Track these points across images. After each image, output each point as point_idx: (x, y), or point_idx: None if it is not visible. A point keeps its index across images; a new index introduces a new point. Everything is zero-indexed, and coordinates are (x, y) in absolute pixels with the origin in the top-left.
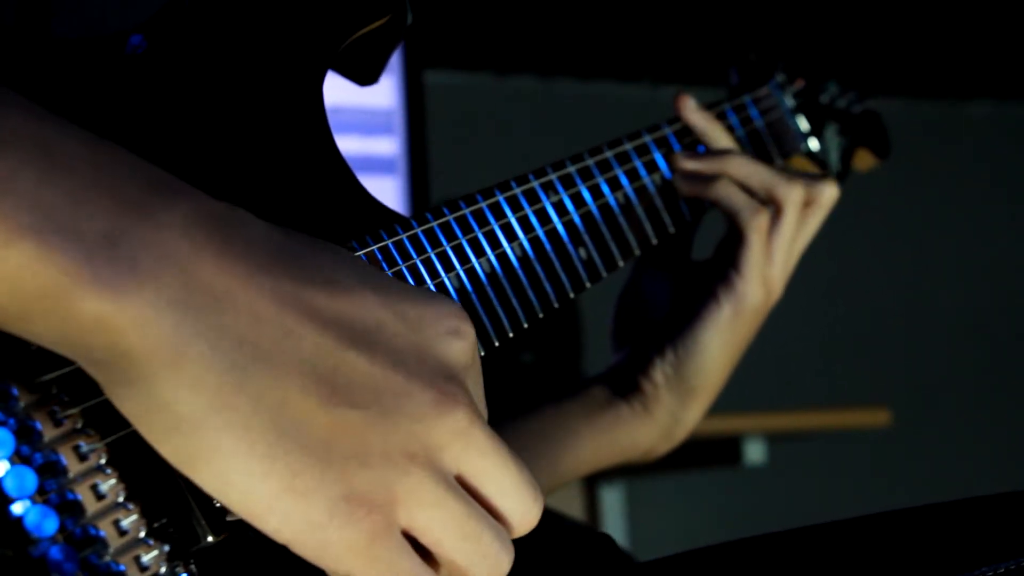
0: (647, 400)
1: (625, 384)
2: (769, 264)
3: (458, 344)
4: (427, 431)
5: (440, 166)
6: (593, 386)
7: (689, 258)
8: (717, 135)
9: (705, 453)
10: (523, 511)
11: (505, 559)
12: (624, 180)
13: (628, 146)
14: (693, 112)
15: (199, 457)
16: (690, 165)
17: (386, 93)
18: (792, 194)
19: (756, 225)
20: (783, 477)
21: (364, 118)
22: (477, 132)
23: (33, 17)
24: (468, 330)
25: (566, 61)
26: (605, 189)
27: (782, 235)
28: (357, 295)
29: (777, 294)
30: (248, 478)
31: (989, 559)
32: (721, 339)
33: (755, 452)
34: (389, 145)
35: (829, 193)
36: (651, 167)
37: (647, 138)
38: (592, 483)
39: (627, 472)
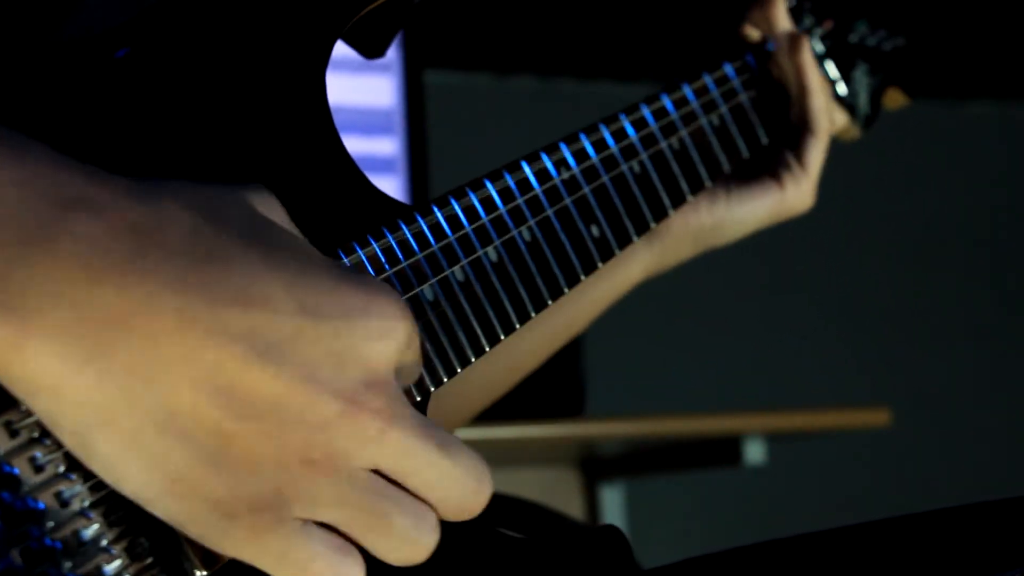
0: (667, 242)
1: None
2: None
3: (383, 346)
4: (329, 440)
5: (440, 166)
6: None
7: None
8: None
9: (705, 453)
10: (458, 499)
11: (425, 543)
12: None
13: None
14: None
15: (86, 458)
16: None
17: (386, 93)
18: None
19: (828, 127)
20: (783, 477)
21: (364, 118)
22: (477, 132)
23: (42, 21)
24: (398, 328)
25: (566, 61)
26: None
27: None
28: (275, 304)
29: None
30: (130, 482)
31: (995, 567)
32: (760, 221)
33: (755, 452)
34: (389, 145)
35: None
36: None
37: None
38: (592, 483)
39: (627, 472)
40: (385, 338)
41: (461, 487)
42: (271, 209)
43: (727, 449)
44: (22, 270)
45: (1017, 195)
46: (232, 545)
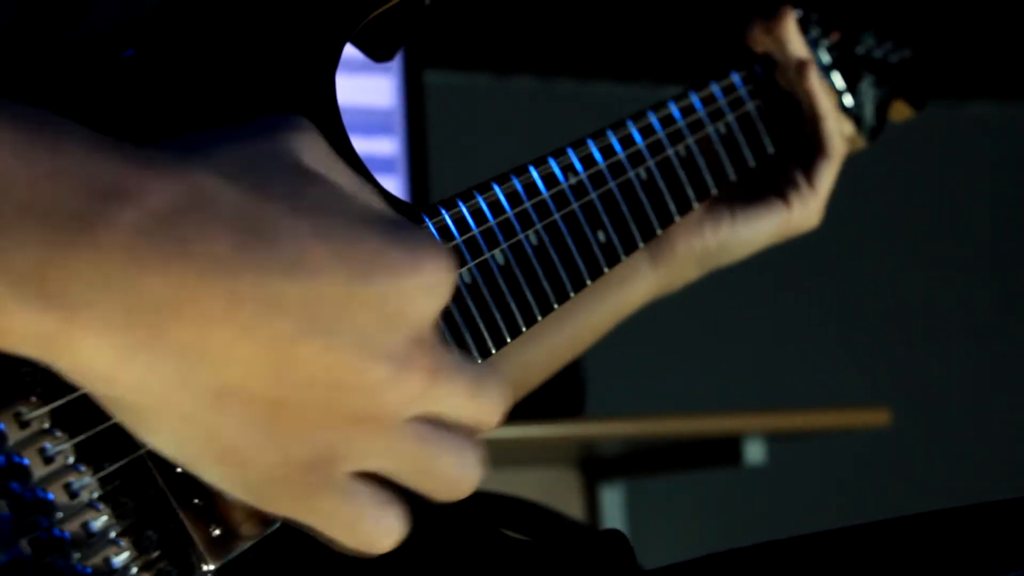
0: (672, 265)
1: (657, 243)
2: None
3: (430, 302)
4: (382, 400)
5: (440, 166)
6: None
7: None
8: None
9: (705, 453)
10: (486, 422)
11: (471, 478)
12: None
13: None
14: (792, 27)
15: (142, 432)
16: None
17: (386, 93)
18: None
19: (841, 149)
20: (783, 477)
21: (364, 118)
22: (477, 132)
23: (44, 21)
24: (444, 283)
25: (566, 61)
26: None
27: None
28: (324, 275)
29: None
30: (185, 453)
31: (996, 568)
32: (765, 241)
33: (755, 452)
34: (389, 145)
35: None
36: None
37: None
38: (592, 483)
39: (627, 472)
40: (431, 295)
41: (488, 409)
42: (313, 147)
43: (727, 449)
44: (64, 263)
45: (1017, 195)
46: (283, 507)
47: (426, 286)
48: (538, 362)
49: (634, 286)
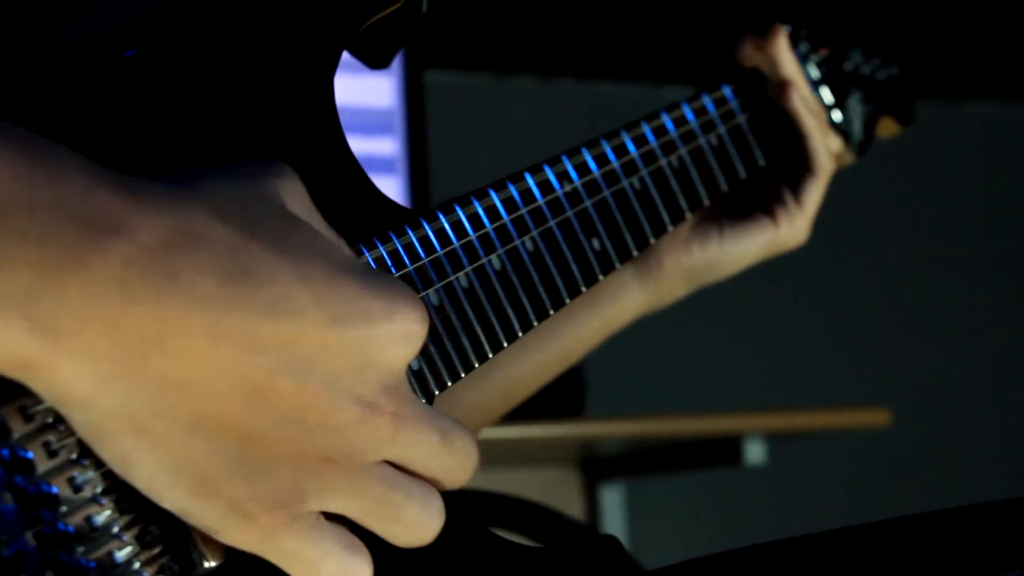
0: (661, 283)
1: (645, 260)
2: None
3: (402, 350)
4: (348, 441)
5: (440, 166)
6: None
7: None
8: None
9: (705, 453)
10: (451, 475)
11: (432, 526)
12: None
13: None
14: (783, 47)
15: (112, 460)
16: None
17: (386, 93)
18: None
19: (828, 167)
20: (783, 477)
21: (364, 118)
22: (477, 132)
23: (40, 21)
24: (417, 333)
25: (566, 61)
26: (660, 154)
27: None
28: (303, 318)
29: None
30: (155, 484)
31: (996, 568)
32: (753, 258)
33: (755, 452)
34: (389, 145)
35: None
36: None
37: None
38: (592, 483)
39: (627, 472)
40: (404, 343)
41: (455, 465)
42: (295, 196)
43: (727, 449)
44: (55, 291)
45: (1017, 195)
46: (248, 542)
47: (399, 334)
48: (527, 376)
49: (623, 302)
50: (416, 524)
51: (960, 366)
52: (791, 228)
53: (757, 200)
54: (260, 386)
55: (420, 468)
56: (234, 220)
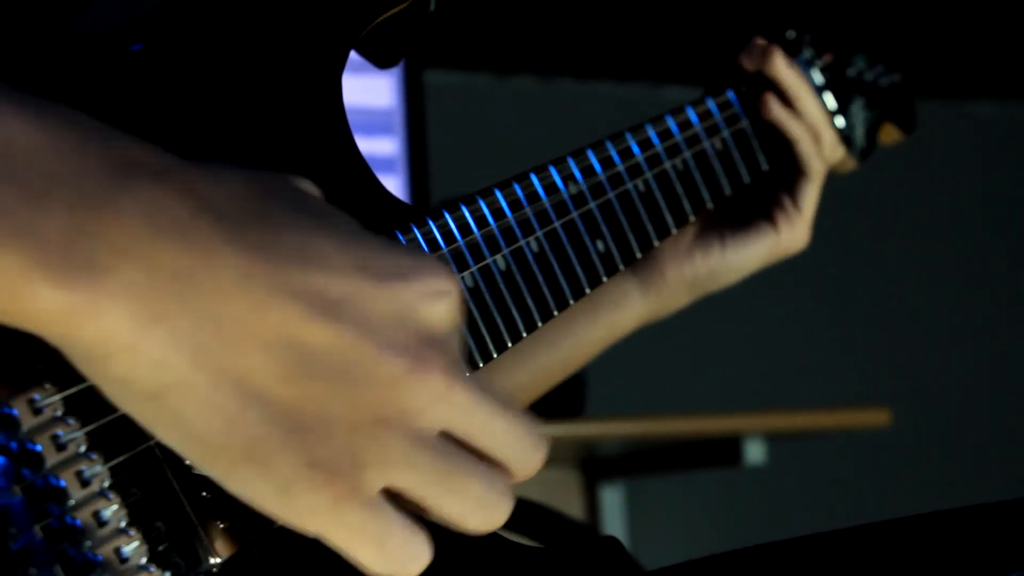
0: (663, 292)
1: (647, 269)
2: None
3: (440, 306)
4: (400, 397)
5: (440, 166)
6: None
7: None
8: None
9: (705, 453)
10: (521, 457)
11: (501, 506)
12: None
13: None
14: (782, 64)
15: (160, 424)
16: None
17: (386, 93)
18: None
19: (820, 169)
20: (783, 477)
21: (364, 118)
22: (477, 132)
23: (45, 16)
24: (453, 290)
25: (566, 61)
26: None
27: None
28: (332, 263)
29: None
30: (206, 447)
31: (996, 569)
32: (755, 265)
33: (755, 452)
34: (389, 145)
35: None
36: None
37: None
38: (592, 483)
39: (627, 472)
40: (441, 299)
41: (524, 445)
42: (311, 189)
43: (727, 449)
44: (88, 232)
45: (1017, 195)
46: (310, 518)
47: (433, 290)
48: (529, 384)
49: (624, 312)
50: (480, 503)
51: (960, 366)
52: (791, 232)
53: (757, 208)
54: (298, 335)
55: (487, 441)
56: (252, 182)
